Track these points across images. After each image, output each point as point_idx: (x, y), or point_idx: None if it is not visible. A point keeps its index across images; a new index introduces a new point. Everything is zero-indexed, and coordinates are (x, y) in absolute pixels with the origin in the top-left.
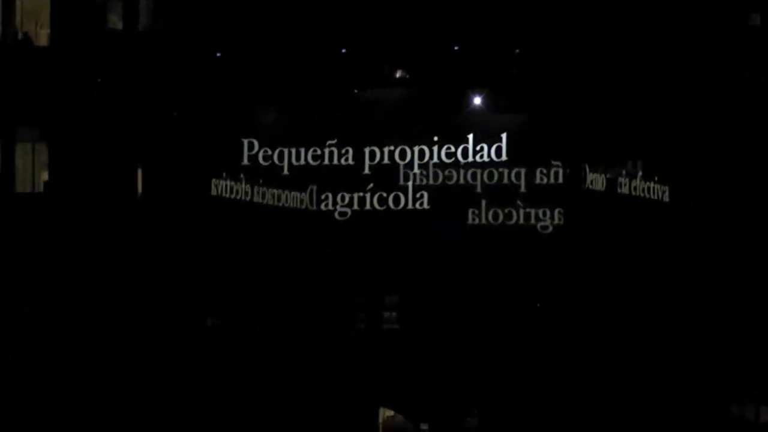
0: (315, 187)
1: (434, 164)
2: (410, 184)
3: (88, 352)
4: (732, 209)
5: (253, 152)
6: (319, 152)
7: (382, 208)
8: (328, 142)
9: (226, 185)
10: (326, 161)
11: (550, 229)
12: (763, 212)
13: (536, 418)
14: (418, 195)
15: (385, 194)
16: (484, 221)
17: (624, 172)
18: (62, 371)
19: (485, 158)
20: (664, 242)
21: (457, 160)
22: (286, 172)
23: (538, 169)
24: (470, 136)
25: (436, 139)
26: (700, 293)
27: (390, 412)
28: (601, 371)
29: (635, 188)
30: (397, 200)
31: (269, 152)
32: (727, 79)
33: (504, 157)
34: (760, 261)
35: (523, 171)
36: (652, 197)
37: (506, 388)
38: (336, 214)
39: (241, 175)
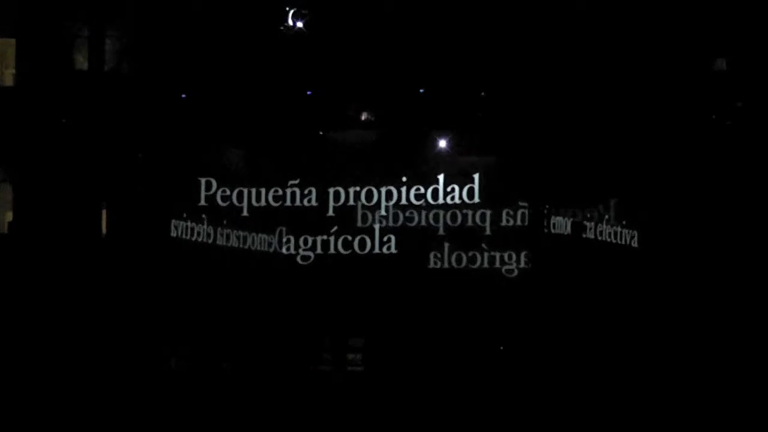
0: (283, 229)
1: (401, 206)
2: (377, 226)
3: (48, 391)
4: (702, 254)
5: (211, 192)
6: (280, 193)
7: (347, 252)
8: (290, 182)
9: (186, 226)
10: (288, 202)
11: (516, 272)
12: (734, 258)
13: None
14: (384, 239)
15: (350, 237)
16: (446, 265)
17: (589, 216)
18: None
19: (456, 200)
20: (632, 287)
21: (426, 201)
22: (245, 213)
23: (504, 210)
24: (440, 177)
25: (404, 180)
26: (668, 339)
27: None
28: (568, 415)
29: (602, 232)
30: (362, 244)
31: (227, 192)
32: (693, 124)
33: (476, 199)
34: (732, 306)
35: (488, 213)
36: (620, 242)
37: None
38: (299, 258)
39: (203, 216)
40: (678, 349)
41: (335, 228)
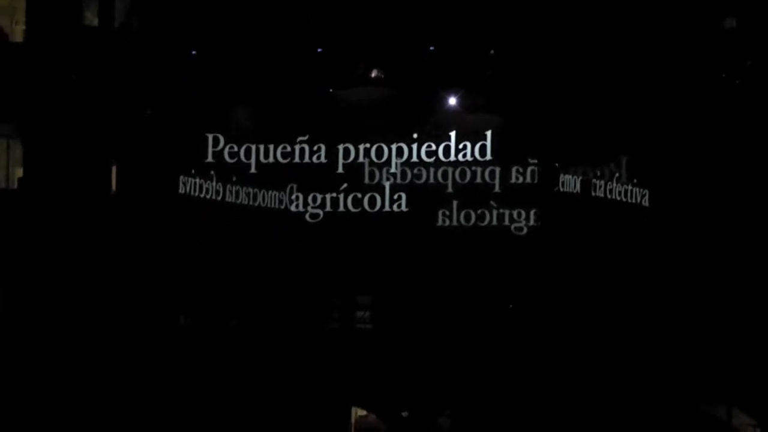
0: (293, 186)
1: (412, 163)
2: (387, 184)
3: (57, 350)
4: (712, 214)
5: (218, 148)
6: (289, 149)
7: (356, 210)
8: (299, 139)
9: (195, 183)
10: (297, 159)
11: (525, 230)
12: (744, 218)
13: (510, 419)
14: (395, 196)
15: (360, 195)
16: (455, 222)
17: (599, 174)
18: (28, 368)
19: (468, 157)
20: (642, 246)
21: (437, 158)
22: (254, 170)
23: (514, 167)
24: (452, 134)
25: (415, 136)
26: (675, 294)
27: (362, 412)
28: (576, 372)
29: (611, 191)
30: (372, 201)
31: (235, 149)
32: (704, 81)
33: (488, 156)
34: (739, 265)
35: (497, 170)
36: (631, 201)
37: (480, 389)
38: (307, 216)
39: (212, 173)
40: (682, 301)
41: (345, 185)
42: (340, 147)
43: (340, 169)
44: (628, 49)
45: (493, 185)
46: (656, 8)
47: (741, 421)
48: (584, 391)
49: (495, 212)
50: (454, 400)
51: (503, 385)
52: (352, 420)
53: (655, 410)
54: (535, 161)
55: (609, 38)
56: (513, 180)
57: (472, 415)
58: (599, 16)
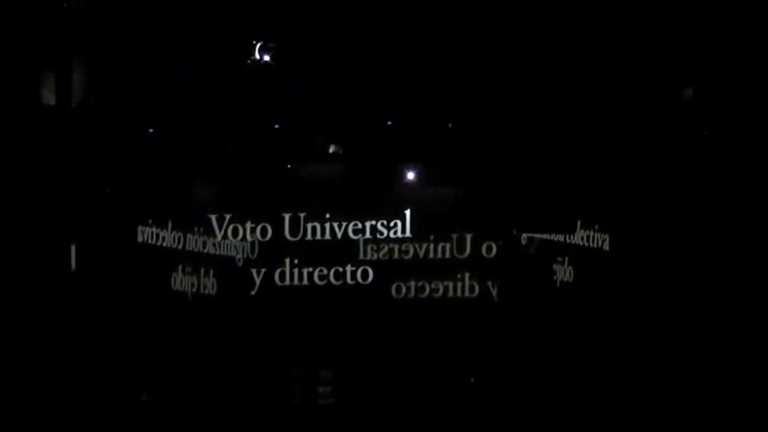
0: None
1: (368, 239)
2: (359, 259)
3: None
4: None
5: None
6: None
7: (322, 283)
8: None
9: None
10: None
11: (487, 301)
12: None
13: None
14: (360, 270)
15: (325, 270)
16: (422, 295)
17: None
18: None
19: (429, 230)
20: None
21: (395, 233)
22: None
23: (474, 241)
24: (407, 212)
25: (375, 212)
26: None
27: None
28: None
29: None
30: (338, 275)
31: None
32: (662, 153)
33: (450, 230)
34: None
35: (457, 243)
36: (592, 246)
37: None
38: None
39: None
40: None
41: (308, 260)
42: (308, 225)
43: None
44: (583, 114)
45: (456, 258)
46: (612, 81)
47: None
48: None
49: (459, 284)
50: None
51: None
52: None
53: None
54: (493, 234)
55: (565, 104)
56: (477, 252)
57: None
58: (559, 83)
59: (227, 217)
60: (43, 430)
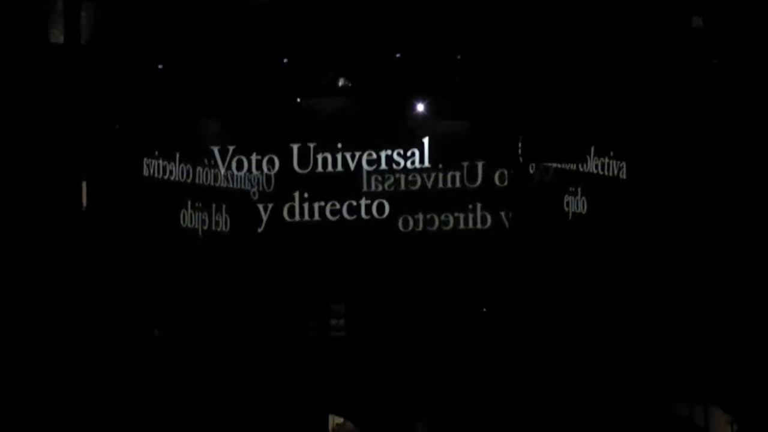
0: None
1: (382, 170)
2: (364, 191)
3: (29, 366)
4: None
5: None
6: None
7: (334, 219)
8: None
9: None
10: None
11: (498, 232)
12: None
13: (485, 423)
14: (375, 203)
15: (337, 204)
16: (432, 227)
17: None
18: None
19: (438, 162)
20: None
21: (406, 165)
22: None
23: (485, 171)
24: (425, 140)
25: (386, 144)
26: (650, 282)
27: (339, 419)
28: (549, 374)
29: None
30: (351, 209)
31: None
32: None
33: (459, 160)
34: (717, 263)
35: (468, 174)
36: (608, 174)
37: (455, 395)
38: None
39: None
40: (657, 291)
41: (320, 193)
42: (319, 156)
43: (318, 177)
44: (596, 48)
45: (465, 188)
46: (624, 9)
47: (719, 418)
48: (560, 393)
49: (470, 215)
50: (430, 406)
51: (478, 389)
52: (330, 428)
53: (631, 409)
54: (509, 163)
55: (576, 38)
56: (486, 183)
57: (448, 420)
58: (568, 18)
59: (230, 148)
60: (49, 363)
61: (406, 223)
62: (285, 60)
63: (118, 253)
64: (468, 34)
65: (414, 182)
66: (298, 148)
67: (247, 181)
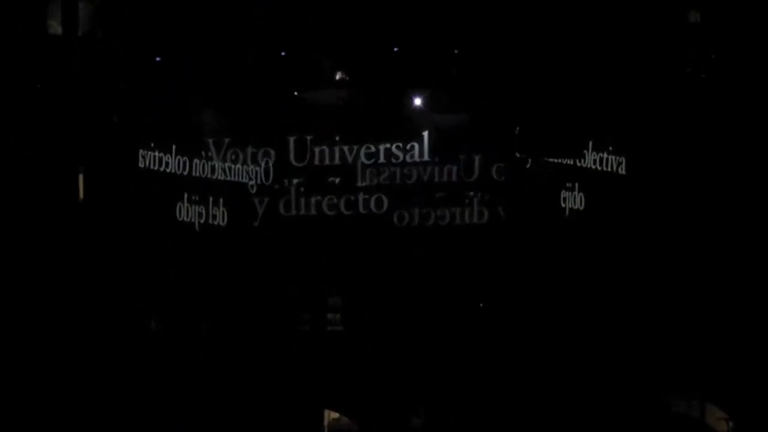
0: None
1: (379, 164)
2: (361, 185)
3: (25, 359)
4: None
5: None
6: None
7: (331, 213)
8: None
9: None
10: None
11: (493, 225)
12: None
13: (482, 417)
14: (373, 197)
15: (335, 198)
16: (428, 222)
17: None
18: None
19: (436, 156)
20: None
21: (405, 159)
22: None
23: (481, 165)
24: (425, 134)
25: (384, 138)
26: (647, 279)
27: (335, 414)
28: (546, 368)
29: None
30: (348, 204)
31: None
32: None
33: (456, 154)
34: (713, 258)
35: (464, 167)
36: (606, 169)
37: (452, 390)
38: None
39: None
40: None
41: (317, 187)
42: (316, 149)
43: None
44: (591, 42)
45: (462, 182)
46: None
47: (714, 415)
48: (557, 387)
49: (467, 210)
50: (427, 401)
51: (475, 385)
52: (325, 423)
53: (627, 405)
54: (506, 158)
55: (580, 32)
56: (483, 177)
57: (445, 414)
58: (565, 12)
59: (226, 141)
60: (45, 356)
61: (401, 218)
62: (282, 52)
63: (114, 245)
64: (466, 28)
65: (410, 176)
66: (295, 141)
67: (244, 174)
